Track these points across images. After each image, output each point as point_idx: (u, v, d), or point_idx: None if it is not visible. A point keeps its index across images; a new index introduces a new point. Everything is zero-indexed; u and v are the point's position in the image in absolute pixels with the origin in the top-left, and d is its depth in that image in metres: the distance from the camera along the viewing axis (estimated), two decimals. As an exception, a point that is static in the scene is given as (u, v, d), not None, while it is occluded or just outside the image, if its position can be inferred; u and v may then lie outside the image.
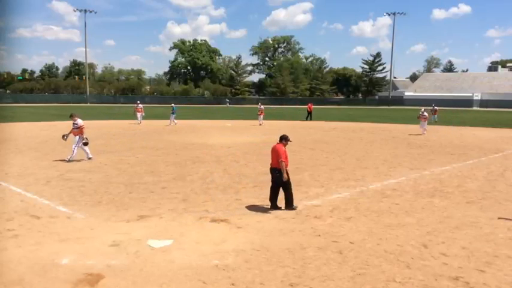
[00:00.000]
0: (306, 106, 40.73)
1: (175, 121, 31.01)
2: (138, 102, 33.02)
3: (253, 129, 28.51)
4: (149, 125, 30.22)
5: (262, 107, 33.48)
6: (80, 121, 14.36)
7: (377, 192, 10.24)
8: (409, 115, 45.40)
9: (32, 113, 39.92)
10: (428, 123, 33.91)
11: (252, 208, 8.72)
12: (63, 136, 14.74)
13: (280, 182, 8.49)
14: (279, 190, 8.65)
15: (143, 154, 16.30)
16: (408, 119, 39.50)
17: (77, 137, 14.28)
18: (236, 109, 61.57)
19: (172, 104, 32.65)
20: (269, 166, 8.79)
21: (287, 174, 8.41)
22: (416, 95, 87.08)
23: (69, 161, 14.01)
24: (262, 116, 32.46)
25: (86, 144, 14.41)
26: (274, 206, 8.66)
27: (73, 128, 14.38)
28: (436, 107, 37.30)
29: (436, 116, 36.11)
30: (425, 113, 25.91)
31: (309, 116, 38.44)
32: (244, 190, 10.33)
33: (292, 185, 8.69)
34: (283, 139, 8.76)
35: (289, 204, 8.62)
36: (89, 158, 14.39)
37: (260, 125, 31.56)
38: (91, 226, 7.46)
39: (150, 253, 6.26)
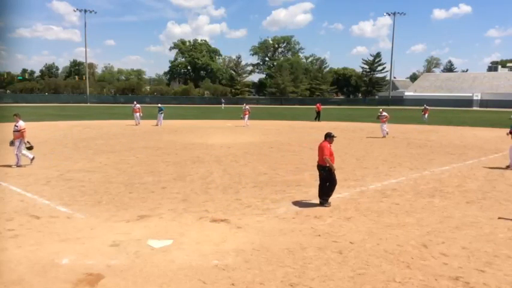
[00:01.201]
0: (315, 106, 40.22)
1: (161, 122, 31.03)
2: (135, 102, 33.02)
3: (253, 130, 28.50)
4: (149, 125, 30.23)
5: (247, 107, 33.26)
6: (21, 123, 13.14)
7: (377, 192, 10.24)
8: (409, 115, 45.43)
9: (32, 113, 39.86)
10: (420, 123, 34.03)
11: (252, 208, 8.72)
12: (11, 142, 13.23)
13: (325, 177, 8.68)
14: (326, 186, 8.80)
15: (143, 154, 16.30)
16: (408, 119, 39.53)
17: (17, 141, 13.01)
18: (235, 109, 61.42)
19: (159, 105, 32.73)
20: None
21: (333, 168, 8.66)
22: (416, 95, 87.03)
23: (17, 166, 12.96)
24: (247, 116, 31.89)
25: (30, 148, 13.34)
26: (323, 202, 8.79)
27: (13, 131, 13.12)
28: (427, 107, 37.20)
29: (426, 115, 36.01)
30: (385, 113, 23.58)
31: (318, 116, 38.32)
32: (244, 190, 10.33)
33: (336, 181, 8.84)
34: (328, 136, 8.91)
35: (327, 195, 8.81)
36: (32, 159, 13.34)
37: (247, 125, 30.82)
38: (91, 226, 7.47)
39: (150, 253, 6.26)
